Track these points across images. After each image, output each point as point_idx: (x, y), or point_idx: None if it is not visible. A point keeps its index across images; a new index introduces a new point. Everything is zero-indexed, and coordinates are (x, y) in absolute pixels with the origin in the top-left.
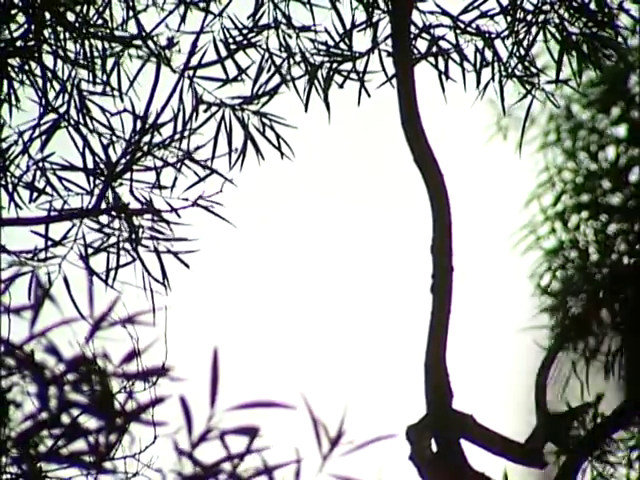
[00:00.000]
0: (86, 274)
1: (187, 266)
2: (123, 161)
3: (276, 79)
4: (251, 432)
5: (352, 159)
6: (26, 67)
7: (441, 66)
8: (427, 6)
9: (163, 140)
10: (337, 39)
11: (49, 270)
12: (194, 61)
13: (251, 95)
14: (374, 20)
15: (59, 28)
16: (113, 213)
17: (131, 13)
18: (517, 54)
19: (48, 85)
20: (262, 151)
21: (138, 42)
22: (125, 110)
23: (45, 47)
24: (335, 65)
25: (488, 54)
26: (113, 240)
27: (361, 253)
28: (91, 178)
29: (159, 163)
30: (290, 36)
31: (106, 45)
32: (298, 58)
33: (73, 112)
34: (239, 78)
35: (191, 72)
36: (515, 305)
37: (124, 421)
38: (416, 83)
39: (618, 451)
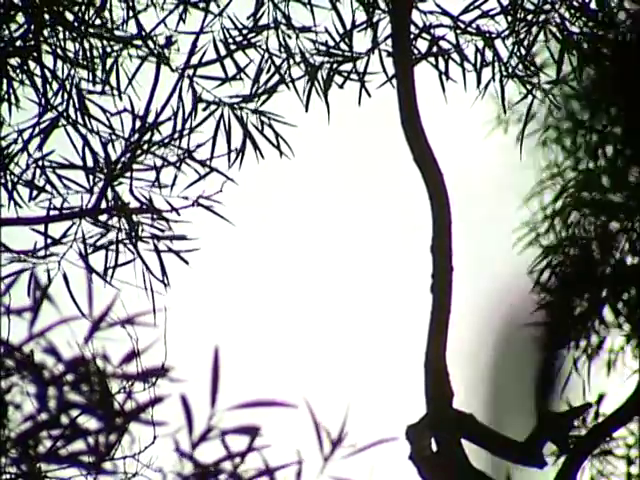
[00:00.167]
0: (85, 273)
1: (187, 263)
2: (123, 160)
3: (275, 79)
4: (252, 432)
5: (352, 159)
6: (25, 67)
7: (441, 66)
8: (427, 6)
9: (163, 139)
10: (337, 39)
11: (49, 268)
12: (194, 61)
13: (250, 93)
14: (374, 20)
15: (58, 28)
16: (113, 212)
17: (131, 13)
18: (517, 54)
19: (47, 84)
20: (261, 149)
21: (137, 42)
22: (125, 110)
23: (44, 47)
24: (335, 65)
25: (488, 54)
26: (113, 238)
27: (361, 253)
28: (91, 176)
29: (159, 162)
30: (290, 36)
31: (105, 45)
32: (298, 58)
33: (72, 111)
34: (238, 77)
35: (190, 71)
36: (515, 302)
37: (124, 421)
38: (416, 83)
39: (618, 449)
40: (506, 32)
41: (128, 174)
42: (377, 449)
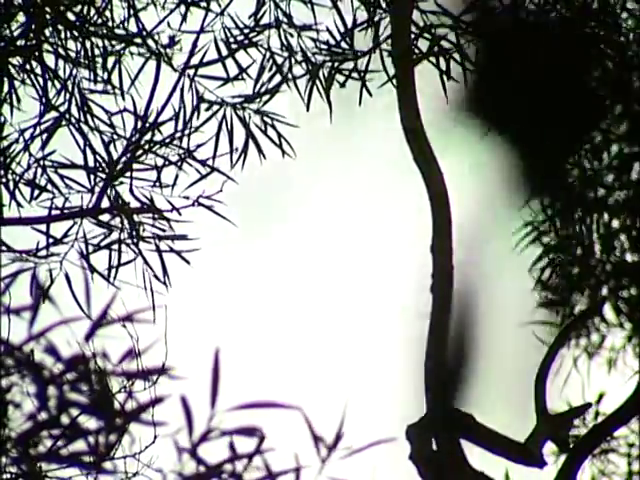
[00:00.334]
0: (87, 272)
1: (188, 263)
2: (124, 159)
3: (277, 78)
4: (252, 433)
5: (352, 158)
6: (27, 66)
7: (442, 66)
8: (428, 6)
9: (164, 138)
10: (338, 38)
11: (50, 268)
12: (195, 60)
13: (252, 94)
14: (375, 19)
15: (60, 27)
16: (114, 211)
17: (132, 12)
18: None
19: (49, 84)
20: (263, 149)
21: (139, 41)
22: (125, 109)
23: (46, 46)
24: (336, 64)
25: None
26: (114, 238)
27: (361, 252)
28: (92, 176)
29: (160, 161)
30: (292, 35)
31: (107, 44)
32: (299, 57)
33: (74, 110)
34: (240, 77)
35: (192, 71)
36: (516, 300)
37: (124, 421)
38: (416, 83)
39: (619, 448)
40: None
41: (129, 174)
42: (376, 449)
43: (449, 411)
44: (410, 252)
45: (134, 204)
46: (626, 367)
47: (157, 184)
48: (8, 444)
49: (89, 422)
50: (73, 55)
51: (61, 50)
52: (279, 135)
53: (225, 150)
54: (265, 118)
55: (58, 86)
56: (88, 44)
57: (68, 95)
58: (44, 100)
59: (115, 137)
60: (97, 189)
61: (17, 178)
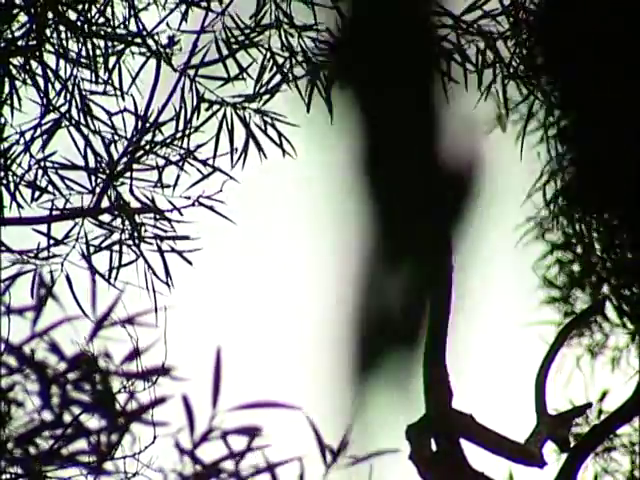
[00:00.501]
0: (88, 273)
1: (190, 263)
2: (125, 160)
3: (278, 78)
4: (253, 432)
5: (352, 158)
6: (28, 66)
7: (443, 66)
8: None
9: (165, 139)
10: None
11: (51, 269)
12: (196, 60)
13: (253, 93)
14: None
15: (61, 27)
16: (115, 212)
17: (132, 12)
18: (519, 54)
19: (49, 84)
20: (264, 149)
21: (139, 41)
22: (125, 109)
23: (47, 46)
24: None
25: (490, 54)
26: (115, 238)
27: (361, 252)
28: (93, 177)
29: (161, 162)
30: (292, 35)
31: (108, 44)
32: (300, 57)
33: (74, 111)
34: (241, 77)
35: (192, 71)
36: (518, 298)
37: (125, 421)
38: None
39: (621, 446)
40: (508, 33)
41: (130, 174)
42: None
43: (449, 411)
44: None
45: (135, 204)
46: (629, 366)
47: (158, 184)
48: (9, 444)
49: (90, 422)
50: (74, 55)
51: (62, 50)
52: (279, 135)
53: (225, 150)
54: (265, 118)
55: (58, 87)
56: (89, 44)
57: (68, 96)
58: (45, 101)
59: (116, 137)
60: (98, 190)
61: (17, 180)
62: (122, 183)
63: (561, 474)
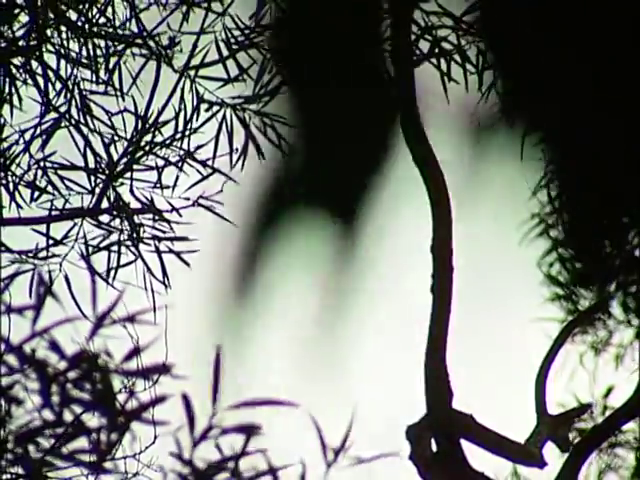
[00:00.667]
0: (88, 273)
1: (188, 265)
2: (124, 160)
3: (278, 79)
4: (252, 430)
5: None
6: (28, 66)
7: (443, 67)
8: (429, 7)
9: (164, 139)
10: None
11: (50, 269)
12: (196, 61)
13: (252, 95)
14: None
15: (61, 27)
16: (114, 212)
17: (133, 12)
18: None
19: (50, 84)
20: (263, 150)
21: (139, 41)
22: (126, 110)
23: (47, 46)
24: None
25: (490, 55)
26: (114, 239)
27: (361, 252)
28: (92, 177)
29: (160, 162)
30: None
31: (108, 44)
32: None
33: (74, 111)
34: (240, 78)
35: (192, 72)
36: (522, 295)
37: (125, 419)
38: (416, 83)
39: (626, 442)
40: None
41: (129, 175)
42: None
43: (449, 411)
44: (410, 252)
45: (134, 205)
46: (634, 363)
47: (157, 185)
48: (9, 443)
49: (91, 420)
50: (74, 55)
51: (62, 50)
52: (279, 136)
53: (225, 151)
54: (265, 119)
55: (58, 87)
56: (90, 44)
57: (69, 96)
58: (44, 101)
59: (115, 138)
60: (97, 190)
61: (17, 180)
62: (121, 183)
63: (564, 470)
